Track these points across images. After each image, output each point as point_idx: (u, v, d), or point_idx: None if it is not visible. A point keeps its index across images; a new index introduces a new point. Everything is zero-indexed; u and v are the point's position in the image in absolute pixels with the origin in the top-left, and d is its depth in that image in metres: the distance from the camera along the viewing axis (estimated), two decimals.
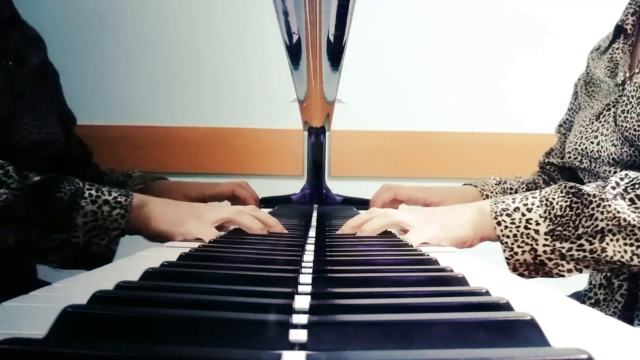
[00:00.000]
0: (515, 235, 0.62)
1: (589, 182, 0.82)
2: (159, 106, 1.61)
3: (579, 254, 0.60)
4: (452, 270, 0.39)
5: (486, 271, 0.47)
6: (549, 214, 0.61)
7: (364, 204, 1.22)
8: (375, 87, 1.60)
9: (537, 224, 0.61)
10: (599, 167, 0.79)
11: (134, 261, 0.49)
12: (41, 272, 0.98)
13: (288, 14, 0.51)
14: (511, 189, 0.99)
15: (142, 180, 0.99)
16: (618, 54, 0.84)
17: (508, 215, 0.62)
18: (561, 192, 0.61)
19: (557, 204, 0.61)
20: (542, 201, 0.62)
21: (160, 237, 0.67)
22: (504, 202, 0.64)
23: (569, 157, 0.86)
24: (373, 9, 1.57)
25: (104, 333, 0.23)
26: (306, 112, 1.04)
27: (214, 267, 0.39)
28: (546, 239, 0.61)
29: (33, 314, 0.29)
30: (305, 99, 0.88)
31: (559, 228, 0.60)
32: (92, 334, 0.23)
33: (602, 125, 0.80)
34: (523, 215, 0.62)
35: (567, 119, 0.99)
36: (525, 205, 0.62)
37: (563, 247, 0.60)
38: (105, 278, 0.39)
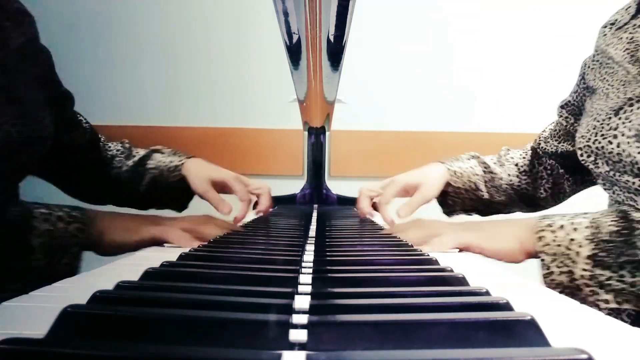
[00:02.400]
0: (554, 254, 0.57)
1: (606, 189, 0.74)
2: (159, 106, 1.61)
3: (617, 285, 0.55)
4: (452, 270, 0.39)
5: (486, 271, 0.47)
6: (595, 237, 0.56)
7: None
8: (375, 87, 1.60)
9: (580, 246, 0.56)
10: (619, 175, 0.68)
11: (134, 261, 0.49)
12: None
13: (288, 14, 0.51)
14: (488, 170, 0.94)
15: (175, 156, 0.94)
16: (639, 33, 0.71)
17: (552, 231, 0.58)
18: (614, 216, 0.57)
19: (605, 228, 0.56)
20: (592, 223, 0.57)
21: (114, 249, 0.63)
22: (551, 218, 0.60)
23: (581, 156, 0.74)
24: (373, 9, 1.57)
25: (104, 333, 0.23)
26: (306, 112, 1.04)
27: (213, 267, 0.39)
28: (587, 263, 0.56)
29: (33, 314, 0.29)
30: (305, 99, 0.88)
31: (602, 254, 0.55)
32: (92, 334, 0.23)
33: (623, 123, 0.67)
34: (567, 234, 0.57)
35: (570, 101, 0.88)
36: (572, 224, 0.58)
37: (603, 275, 0.55)
38: (105, 278, 0.39)
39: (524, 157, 0.97)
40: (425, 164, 1.63)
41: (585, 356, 0.19)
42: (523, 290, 0.39)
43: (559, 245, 0.57)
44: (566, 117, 0.89)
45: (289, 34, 0.56)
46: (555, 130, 0.92)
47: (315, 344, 0.22)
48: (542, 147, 0.94)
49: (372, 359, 0.21)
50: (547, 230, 0.58)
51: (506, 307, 0.26)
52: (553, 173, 0.93)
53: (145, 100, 1.61)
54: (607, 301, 0.55)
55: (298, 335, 0.23)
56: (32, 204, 0.60)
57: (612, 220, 0.56)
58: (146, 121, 1.60)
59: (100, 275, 0.42)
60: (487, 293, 0.30)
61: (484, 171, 0.93)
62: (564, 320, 0.30)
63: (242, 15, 1.60)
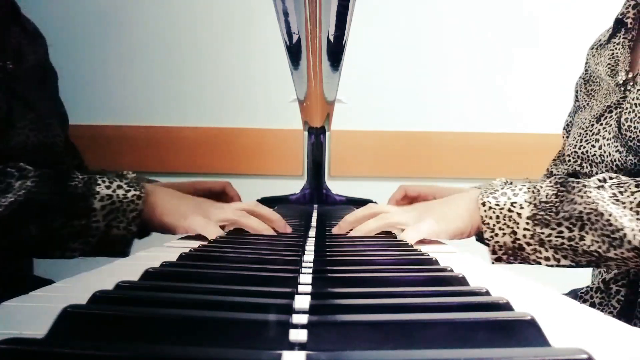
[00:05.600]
0: (497, 217, 0.62)
1: None
2: (159, 106, 1.61)
3: (557, 241, 0.59)
4: (452, 270, 0.39)
5: (486, 271, 0.47)
6: (534, 199, 0.61)
7: (365, 204, 1.22)
8: (375, 87, 1.60)
9: (521, 207, 0.61)
10: (601, 173, 0.75)
11: (134, 261, 0.49)
12: (41, 269, 0.97)
13: (288, 14, 0.51)
14: None
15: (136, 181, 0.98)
16: (618, 49, 0.81)
17: (494, 197, 0.63)
18: (550, 182, 0.62)
19: (544, 191, 0.61)
20: (530, 188, 0.62)
21: (162, 229, 0.67)
22: (492, 186, 0.65)
23: (569, 160, 0.84)
24: (373, 9, 1.57)
25: (104, 333, 0.23)
26: (306, 112, 1.04)
27: (214, 267, 0.39)
28: (527, 223, 0.60)
29: (33, 314, 0.29)
30: (305, 99, 0.88)
31: (541, 213, 0.60)
32: (92, 334, 0.23)
33: (604, 128, 0.77)
34: (508, 198, 0.62)
35: (570, 122, 0.96)
36: (512, 190, 0.63)
37: (543, 233, 0.60)
38: (105, 278, 0.39)
39: None
40: (425, 163, 1.62)
41: (585, 356, 0.19)
42: (523, 290, 0.39)
43: (501, 209, 0.62)
44: (567, 138, 0.93)
45: (289, 34, 0.56)
46: (562, 153, 0.96)
47: (315, 344, 0.22)
48: (554, 174, 0.96)
49: (372, 359, 0.21)
50: (489, 196, 0.63)
51: (506, 307, 0.26)
52: None
53: (146, 100, 1.61)
54: (547, 258, 0.61)
55: (298, 335, 0.23)
56: (95, 173, 0.66)
57: (548, 185, 0.62)
58: (146, 121, 1.60)
59: (100, 275, 0.42)
60: (487, 293, 0.30)
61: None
62: (563, 320, 0.30)
63: (242, 15, 1.60)
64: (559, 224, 0.59)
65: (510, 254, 0.62)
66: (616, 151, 0.73)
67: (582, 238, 0.58)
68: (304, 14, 0.49)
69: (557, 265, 0.61)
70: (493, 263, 0.64)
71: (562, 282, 0.80)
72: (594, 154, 0.77)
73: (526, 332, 0.23)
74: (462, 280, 0.35)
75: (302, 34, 0.55)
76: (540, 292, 0.38)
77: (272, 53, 1.53)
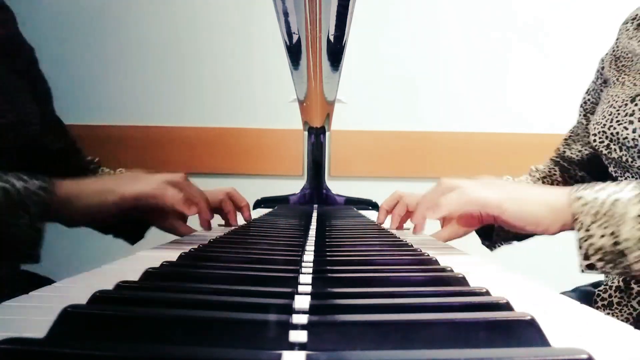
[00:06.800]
0: (596, 214, 0.50)
1: (617, 176, 0.74)
2: (159, 106, 1.61)
3: None
4: (452, 270, 0.39)
5: (486, 271, 0.47)
6: None
7: (365, 204, 1.22)
8: (375, 87, 1.60)
9: (627, 205, 0.49)
10: (632, 160, 0.69)
11: (134, 261, 0.49)
12: (41, 269, 0.97)
13: (288, 14, 0.51)
14: None
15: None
16: None
17: (594, 191, 0.52)
18: None
19: None
20: (638, 185, 0.52)
21: (88, 216, 0.57)
22: (588, 184, 0.55)
23: (594, 141, 0.74)
24: (373, 9, 1.57)
25: (104, 333, 0.23)
26: (306, 112, 1.04)
27: (214, 267, 0.39)
28: (635, 224, 0.49)
29: (33, 314, 0.29)
30: (305, 99, 0.88)
31: None
32: (92, 334, 0.23)
33: None
34: (611, 194, 0.51)
35: (588, 99, 0.89)
36: (616, 185, 0.52)
37: None
38: (105, 278, 0.39)
39: (553, 174, 0.92)
40: (425, 163, 1.62)
41: (585, 356, 0.19)
42: (523, 290, 0.39)
43: (602, 204, 0.51)
44: (585, 116, 0.88)
45: (289, 34, 0.56)
46: (576, 132, 0.91)
47: (316, 344, 0.22)
48: (567, 156, 0.91)
49: (372, 359, 0.21)
50: (587, 189, 0.53)
51: (506, 307, 0.26)
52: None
53: (146, 100, 1.62)
54: None
55: (298, 336, 0.23)
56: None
57: None
58: (146, 121, 1.60)
59: (100, 275, 0.42)
60: (487, 293, 0.30)
61: None
62: (563, 320, 0.30)
63: (242, 15, 1.60)
64: None
65: (608, 260, 0.51)
66: None
67: None
68: (304, 14, 0.49)
69: None
70: (583, 271, 0.53)
71: (565, 279, 0.79)
72: (626, 137, 0.69)
73: (526, 332, 0.23)
74: (462, 280, 0.35)
75: (302, 34, 0.55)
76: (540, 292, 0.38)
77: (272, 53, 1.53)
